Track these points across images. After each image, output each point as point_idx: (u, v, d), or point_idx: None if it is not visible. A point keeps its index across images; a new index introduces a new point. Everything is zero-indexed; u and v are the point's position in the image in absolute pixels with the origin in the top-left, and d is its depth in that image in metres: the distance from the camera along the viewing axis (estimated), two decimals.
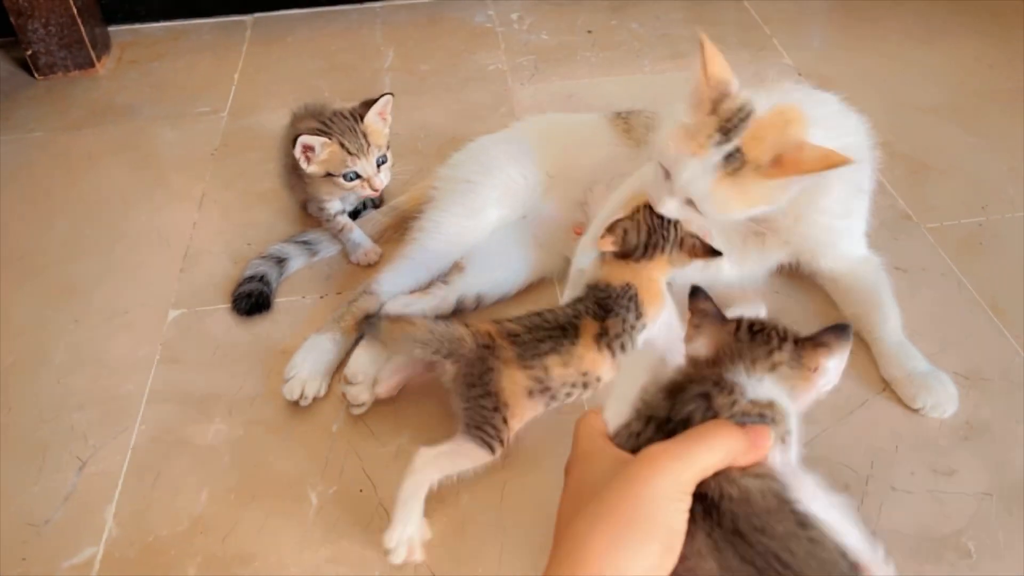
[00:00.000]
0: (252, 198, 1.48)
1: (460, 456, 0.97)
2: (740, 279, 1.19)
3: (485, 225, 1.25)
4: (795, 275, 1.25)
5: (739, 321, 0.75)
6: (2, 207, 1.49)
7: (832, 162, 0.93)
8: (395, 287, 1.20)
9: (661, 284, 1.05)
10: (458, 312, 1.21)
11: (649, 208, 1.04)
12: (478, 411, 0.98)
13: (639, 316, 1.03)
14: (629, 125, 1.30)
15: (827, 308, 1.22)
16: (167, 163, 1.59)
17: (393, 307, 1.15)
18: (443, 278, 1.22)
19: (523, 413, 1.00)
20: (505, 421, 0.98)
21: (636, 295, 1.03)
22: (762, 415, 0.68)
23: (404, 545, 0.93)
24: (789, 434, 0.69)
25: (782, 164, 0.95)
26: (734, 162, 0.95)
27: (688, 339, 0.77)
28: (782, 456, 0.67)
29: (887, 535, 0.94)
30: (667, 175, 1.01)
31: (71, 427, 1.10)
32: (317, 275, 1.33)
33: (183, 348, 1.21)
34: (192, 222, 1.44)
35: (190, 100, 1.77)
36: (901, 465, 1.01)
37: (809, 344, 0.73)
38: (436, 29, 1.98)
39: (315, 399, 1.11)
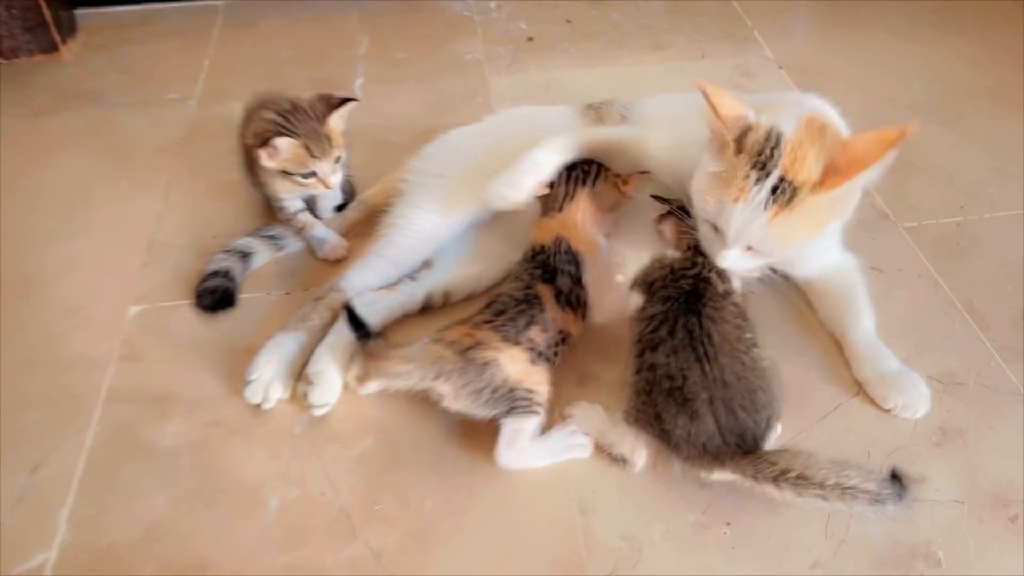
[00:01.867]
0: (219, 189, 1.44)
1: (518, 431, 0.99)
2: None
3: (459, 222, 1.21)
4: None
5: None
6: None
7: (891, 140, 0.88)
8: (363, 284, 1.17)
9: (589, 229, 1.12)
10: (426, 309, 1.19)
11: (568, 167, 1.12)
12: (503, 402, 0.98)
13: (578, 265, 1.09)
14: (600, 115, 1.27)
15: (801, 307, 1.21)
16: (133, 152, 1.54)
17: (358, 304, 1.12)
18: (411, 274, 1.19)
19: (539, 378, 1.01)
20: (530, 391, 0.99)
21: (569, 246, 1.09)
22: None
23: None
24: None
25: (839, 170, 0.90)
26: (784, 194, 0.91)
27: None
28: None
29: (856, 543, 0.93)
30: (715, 228, 0.97)
31: (23, 428, 1.06)
32: (283, 271, 1.29)
33: (143, 345, 1.17)
34: (156, 214, 1.40)
35: (158, 87, 1.72)
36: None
37: None
38: (413, 17, 1.94)
39: (278, 401, 1.08)
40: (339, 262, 1.28)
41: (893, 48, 1.82)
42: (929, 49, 1.81)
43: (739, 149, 0.93)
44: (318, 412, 1.06)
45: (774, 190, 0.91)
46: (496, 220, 1.24)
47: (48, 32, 1.79)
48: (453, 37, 1.87)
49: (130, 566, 0.93)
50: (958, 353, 1.14)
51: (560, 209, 1.12)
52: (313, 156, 1.18)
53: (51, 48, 1.81)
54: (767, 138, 0.92)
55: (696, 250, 1.03)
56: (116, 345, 1.17)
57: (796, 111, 0.95)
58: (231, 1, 2.00)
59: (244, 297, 1.24)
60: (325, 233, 1.31)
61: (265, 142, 1.16)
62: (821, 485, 0.86)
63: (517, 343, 1.00)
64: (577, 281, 1.09)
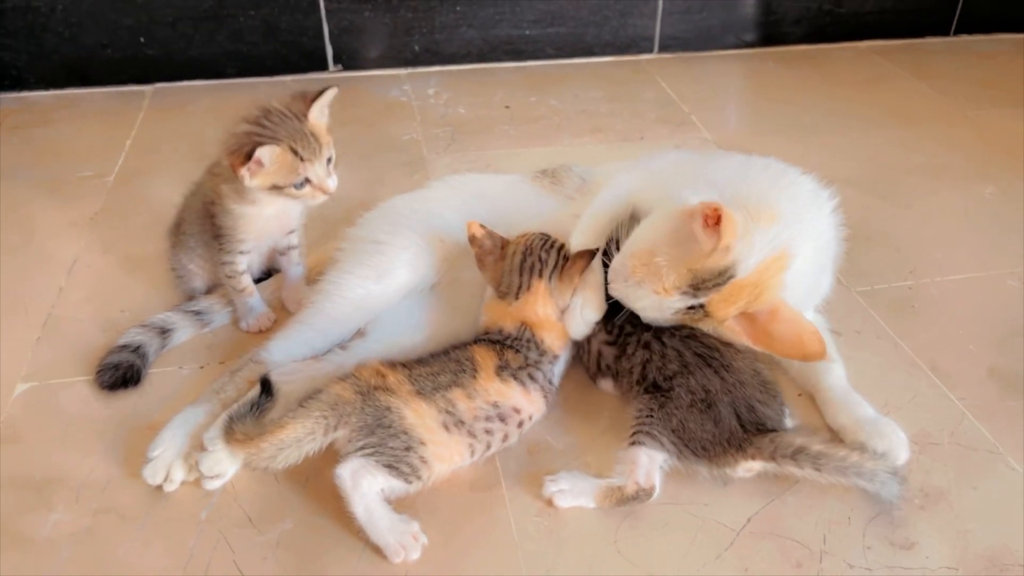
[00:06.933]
0: (133, 263, 1.32)
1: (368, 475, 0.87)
2: None
3: (393, 290, 1.11)
4: None
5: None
6: None
7: (808, 352, 0.93)
8: (287, 355, 1.06)
9: (555, 316, 1.02)
10: None
11: (526, 242, 1.03)
12: (388, 452, 0.87)
13: (542, 352, 1.00)
14: (557, 181, 1.23)
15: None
16: (39, 227, 1.43)
17: (278, 375, 0.99)
18: (342, 344, 1.08)
19: (448, 452, 0.90)
20: (423, 460, 0.88)
21: (532, 334, 1.00)
22: None
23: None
24: None
25: (749, 327, 0.95)
26: (694, 313, 0.94)
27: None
28: None
29: None
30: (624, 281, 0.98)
31: None
32: (198, 343, 1.17)
33: (27, 426, 1.02)
34: (58, 287, 1.27)
35: (73, 165, 1.62)
36: (855, 539, 0.90)
37: None
38: (348, 101, 1.91)
39: (182, 482, 0.94)
40: (262, 334, 1.17)
41: (825, 132, 1.85)
42: (859, 135, 1.84)
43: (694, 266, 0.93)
44: (211, 485, 0.93)
45: (689, 308, 0.94)
46: (438, 288, 1.15)
47: None
48: (390, 120, 1.84)
49: None
50: (928, 412, 1.07)
51: (516, 297, 1.01)
52: (303, 160, 1.03)
53: None
54: (721, 273, 0.91)
55: None
56: None
57: (778, 236, 0.93)
58: (159, 87, 1.95)
59: (153, 372, 1.11)
60: (259, 303, 1.19)
61: (246, 158, 0.99)
62: (843, 460, 0.90)
63: (430, 400, 0.91)
64: (535, 363, 0.99)
